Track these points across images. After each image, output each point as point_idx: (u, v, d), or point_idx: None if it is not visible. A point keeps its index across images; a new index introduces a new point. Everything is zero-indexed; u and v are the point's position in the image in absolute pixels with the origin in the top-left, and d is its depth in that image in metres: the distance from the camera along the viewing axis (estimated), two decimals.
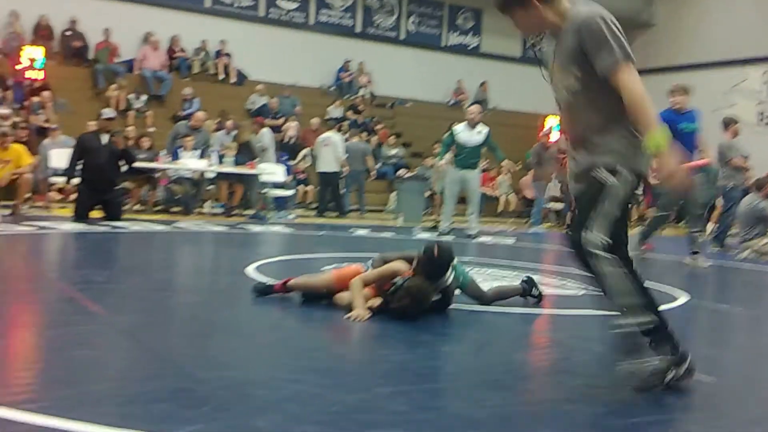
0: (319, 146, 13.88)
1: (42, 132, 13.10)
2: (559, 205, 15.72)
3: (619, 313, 3.02)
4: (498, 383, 3.18)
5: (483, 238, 10.78)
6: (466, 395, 2.94)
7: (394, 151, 17.56)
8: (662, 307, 5.41)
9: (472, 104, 14.00)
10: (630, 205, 3.37)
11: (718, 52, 19.99)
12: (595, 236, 2.99)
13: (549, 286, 6.32)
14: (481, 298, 4.85)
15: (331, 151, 13.66)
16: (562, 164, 16.51)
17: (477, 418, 2.63)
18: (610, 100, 3.00)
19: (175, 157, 11.79)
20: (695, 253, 8.56)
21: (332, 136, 13.99)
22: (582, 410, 2.81)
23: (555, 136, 16.86)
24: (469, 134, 10.56)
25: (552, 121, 17.05)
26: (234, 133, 13.54)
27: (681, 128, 7.97)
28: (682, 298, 5.86)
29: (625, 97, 2.94)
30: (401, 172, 16.02)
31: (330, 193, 14.04)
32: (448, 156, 10.71)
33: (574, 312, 5.12)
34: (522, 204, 16.65)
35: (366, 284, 4.39)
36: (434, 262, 4.41)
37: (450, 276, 4.53)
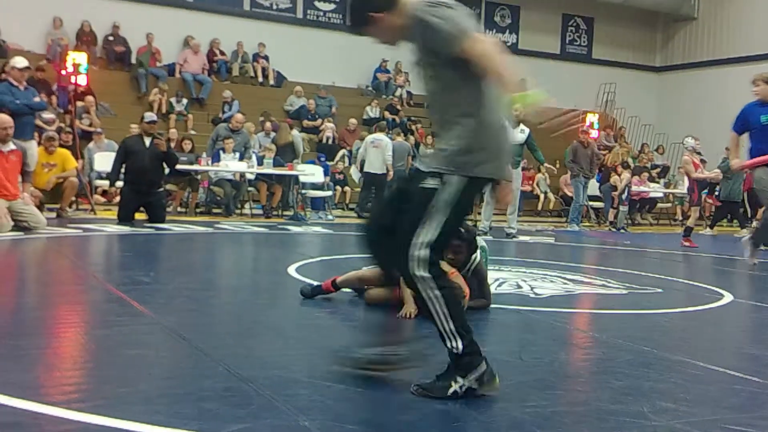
0: (367, 146, 13.51)
1: (87, 136, 13.36)
2: (598, 204, 15.57)
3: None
4: (541, 383, 3.18)
5: (522, 238, 10.73)
6: (509, 395, 2.94)
7: (431, 151, 17.53)
8: (707, 306, 5.39)
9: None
10: (466, 213, 3.10)
11: (760, 45, 19.62)
12: (420, 252, 2.79)
13: (591, 285, 6.29)
14: (482, 292, 4.76)
15: (380, 153, 13.34)
16: (605, 164, 16.40)
17: (520, 419, 2.63)
18: (460, 94, 2.87)
19: (215, 159, 11.93)
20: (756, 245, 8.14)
21: (383, 138, 13.61)
22: (627, 411, 2.80)
23: (595, 133, 16.72)
24: (511, 132, 10.51)
25: (592, 118, 16.88)
26: (273, 134, 13.67)
27: (763, 121, 7.51)
28: (727, 297, 5.79)
29: (477, 63, 2.75)
30: None
31: (374, 195, 13.91)
32: None
33: (617, 311, 5.09)
34: (561, 202, 16.54)
35: None
36: (462, 239, 4.39)
37: (479, 256, 4.53)
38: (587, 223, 15.07)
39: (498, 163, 2.92)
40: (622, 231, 14.23)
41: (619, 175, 15.11)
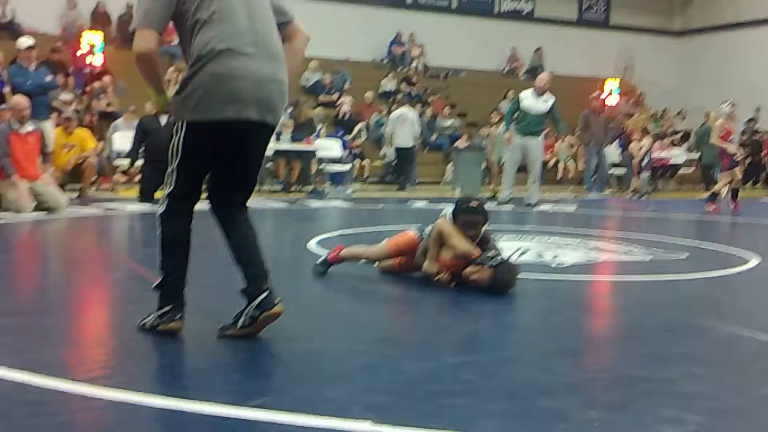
0: (394, 122, 14.05)
1: (106, 116, 13.36)
2: (620, 170, 15.41)
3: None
4: (567, 351, 3.15)
5: (543, 207, 10.65)
6: (535, 363, 2.92)
7: (449, 122, 17.42)
8: (733, 270, 5.32)
9: (540, 73, 13.77)
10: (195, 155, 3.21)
11: None
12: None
13: (615, 252, 6.23)
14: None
15: (408, 126, 13.90)
16: (624, 132, 16.19)
17: (547, 387, 2.60)
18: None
19: None
20: None
21: (408, 111, 14.21)
22: (655, 377, 2.76)
23: (612, 100, 16.50)
24: (535, 101, 10.43)
25: (611, 84, 16.65)
26: (291, 110, 13.62)
27: None
28: (753, 261, 5.71)
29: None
30: (458, 142, 15.89)
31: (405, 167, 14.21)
32: (513, 127, 10.60)
33: (642, 278, 5.04)
34: (582, 171, 16.38)
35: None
36: (459, 207, 4.38)
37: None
38: (609, 191, 14.93)
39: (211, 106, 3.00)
40: (643, 198, 14.10)
41: (639, 142, 14.94)
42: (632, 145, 15.03)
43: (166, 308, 3.13)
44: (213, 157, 3.20)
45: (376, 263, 4.65)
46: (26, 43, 9.43)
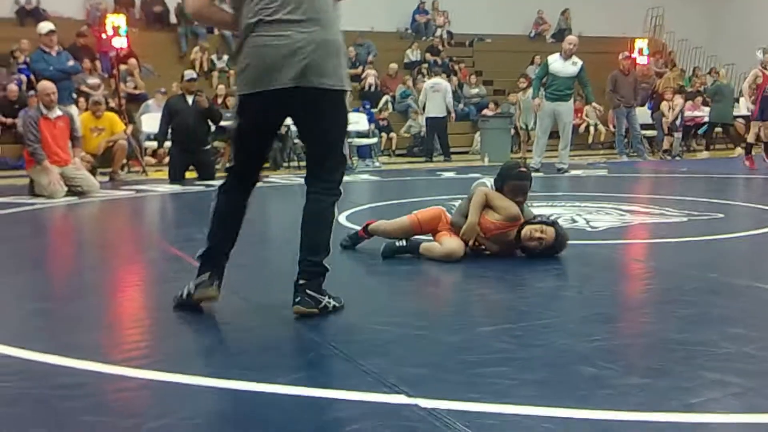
0: (427, 92, 13.96)
1: (134, 99, 13.43)
2: (651, 132, 15.14)
3: None
4: (604, 316, 3.10)
5: (574, 172, 10.52)
6: (572, 330, 2.87)
7: (475, 90, 17.24)
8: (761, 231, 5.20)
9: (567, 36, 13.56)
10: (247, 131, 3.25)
11: None
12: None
13: (649, 214, 6.13)
14: None
15: (441, 96, 13.82)
16: (656, 93, 15.85)
17: (584, 353, 2.56)
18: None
19: None
20: None
21: (441, 81, 14.22)
22: (695, 339, 2.70)
23: (642, 59, 16.18)
24: (563, 65, 10.26)
25: (640, 44, 16.31)
26: None
27: None
28: None
29: None
30: (485, 111, 15.74)
31: (438, 138, 14.19)
32: (542, 93, 10.45)
33: (678, 239, 4.94)
34: (612, 134, 16.14)
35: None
36: (508, 173, 4.36)
37: None
38: (637, 155, 14.69)
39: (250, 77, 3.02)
40: (677, 158, 13.88)
41: (669, 102, 14.66)
42: (663, 104, 14.76)
43: (204, 276, 3.18)
44: (264, 130, 3.22)
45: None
46: (46, 27, 9.44)
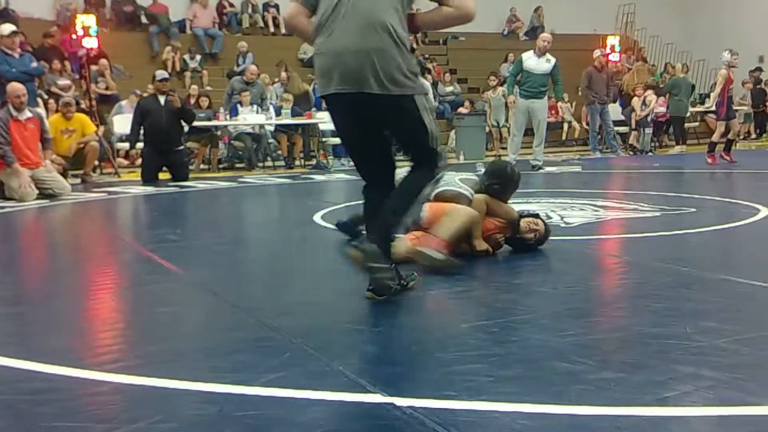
0: None
1: (105, 100, 13.28)
2: (624, 128, 15.26)
3: None
4: (578, 311, 3.11)
5: (549, 168, 10.56)
6: (546, 326, 2.88)
7: (450, 89, 17.27)
8: (743, 222, 5.26)
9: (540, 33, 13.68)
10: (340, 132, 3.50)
11: None
12: None
13: (622, 210, 6.18)
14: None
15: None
16: (623, 89, 15.97)
17: (559, 349, 2.56)
18: None
19: (234, 113, 11.83)
20: None
21: (423, 82, 14.05)
22: (669, 333, 2.72)
23: (614, 56, 16.30)
24: (537, 62, 10.30)
25: (612, 41, 16.43)
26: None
27: None
28: (763, 212, 5.65)
29: None
30: (460, 109, 15.77)
31: None
32: (516, 90, 10.50)
33: (652, 234, 4.98)
34: (586, 131, 16.24)
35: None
36: (510, 178, 4.42)
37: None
38: (608, 150, 14.80)
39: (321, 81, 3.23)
40: (649, 154, 14.02)
41: (640, 98, 14.79)
42: (634, 100, 14.90)
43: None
44: (347, 129, 3.35)
45: None
46: (8, 29, 9.27)
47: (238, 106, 11.90)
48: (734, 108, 11.48)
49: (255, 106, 12.07)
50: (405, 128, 3.23)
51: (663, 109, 14.82)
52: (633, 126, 14.63)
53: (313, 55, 3.25)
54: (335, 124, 3.39)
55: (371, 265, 3.10)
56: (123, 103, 12.67)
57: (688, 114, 15.18)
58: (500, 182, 4.35)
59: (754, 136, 17.82)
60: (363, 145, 3.35)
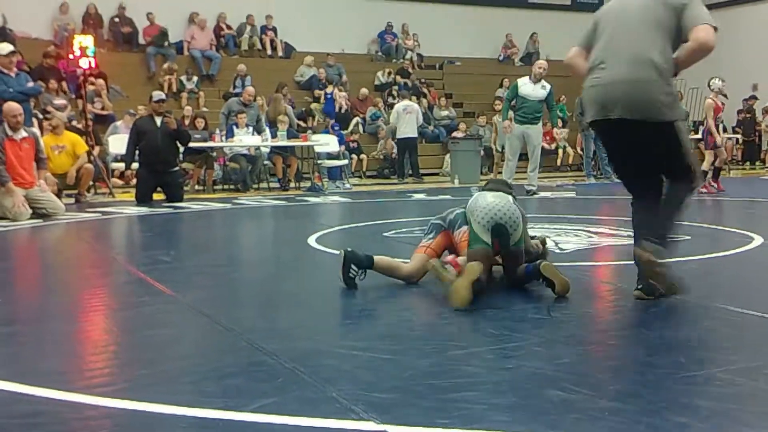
0: (399, 114, 14.25)
1: (101, 120, 13.29)
2: None
3: None
4: (573, 339, 3.10)
5: (543, 194, 10.59)
6: (541, 353, 2.86)
7: (445, 113, 17.36)
8: (737, 250, 5.26)
9: (534, 60, 13.79)
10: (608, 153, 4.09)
11: None
12: None
13: (616, 236, 6.18)
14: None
15: (413, 118, 14.16)
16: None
17: (553, 377, 2.55)
18: None
19: (229, 134, 11.84)
20: None
21: (412, 104, 14.59)
22: (663, 362, 2.71)
23: None
24: (532, 88, 10.35)
25: None
26: (288, 108, 13.63)
27: None
28: (757, 240, 5.66)
29: None
30: (455, 133, 15.83)
31: (408, 159, 14.51)
32: (511, 114, 10.53)
33: None
34: (580, 156, 16.31)
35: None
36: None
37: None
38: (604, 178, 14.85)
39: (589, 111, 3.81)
40: None
41: None
42: None
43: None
44: (618, 150, 3.89)
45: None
46: (6, 48, 9.28)
47: (234, 127, 11.92)
48: (723, 136, 11.53)
49: (251, 128, 12.10)
50: (668, 149, 3.67)
51: None
52: None
53: (587, 87, 3.77)
54: (607, 147, 3.99)
55: (659, 261, 3.54)
56: (118, 123, 12.69)
57: None
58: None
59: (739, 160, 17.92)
60: (632, 165, 3.82)
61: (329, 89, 16.67)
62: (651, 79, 3.54)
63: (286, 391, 2.43)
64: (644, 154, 3.71)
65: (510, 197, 4.16)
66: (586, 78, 3.77)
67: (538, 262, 3.82)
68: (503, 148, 14.26)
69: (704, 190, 10.77)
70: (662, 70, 3.55)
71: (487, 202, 3.98)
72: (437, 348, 2.94)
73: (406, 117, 14.05)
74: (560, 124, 16.22)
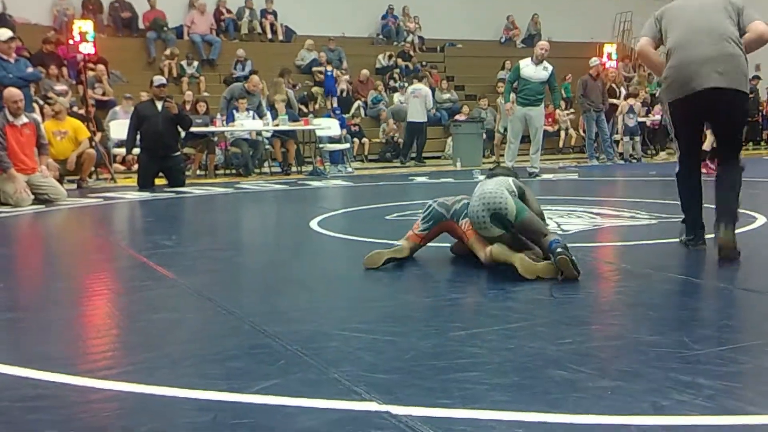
0: (409, 97, 14.18)
1: (102, 105, 13.26)
2: (616, 137, 15.29)
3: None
4: (575, 319, 3.10)
5: (545, 176, 10.57)
6: (543, 334, 2.86)
7: (447, 96, 17.29)
8: (741, 230, 5.26)
9: (536, 41, 13.73)
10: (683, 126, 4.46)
11: None
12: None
13: (619, 217, 6.17)
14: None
15: (421, 101, 13.99)
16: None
17: (556, 357, 2.55)
18: None
19: (230, 119, 11.81)
20: None
21: (422, 87, 14.36)
22: (666, 342, 2.71)
23: (611, 64, 16.33)
24: (534, 70, 10.29)
25: (609, 49, 16.46)
26: (290, 92, 13.61)
27: None
28: (761, 220, 5.65)
29: None
30: (457, 116, 15.79)
31: (416, 143, 14.38)
32: (513, 97, 10.49)
33: (648, 242, 4.98)
34: (583, 138, 16.26)
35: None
36: None
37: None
38: (603, 158, 14.81)
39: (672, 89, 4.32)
40: (634, 162, 14.06)
41: (626, 106, 14.83)
42: (623, 105, 14.94)
43: (691, 236, 4.52)
44: (691, 124, 4.41)
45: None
46: (6, 34, 9.24)
47: (235, 112, 11.88)
48: None
49: (251, 112, 12.05)
50: (741, 119, 4.40)
51: (659, 117, 14.85)
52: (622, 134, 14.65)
53: (674, 66, 4.23)
54: (686, 122, 4.38)
55: (738, 249, 4.16)
56: (117, 108, 12.66)
57: None
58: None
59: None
60: (719, 139, 4.47)
61: (329, 67, 16.61)
62: (737, 54, 4.13)
63: (288, 372, 2.44)
64: (722, 124, 4.31)
65: (501, 177, 4.23)
66: (670, 60, 4.25)
67: (558, 251, 3.75)
68: (505, 129, 14.30)
69: (704, 170, 10.73)
70: (741, 48, 4.15)
71: (474, 201, 4.08)
72: (439, 329, 2.94)
73: (414, 101, 13.96)
74: (563, 105, 16.18)
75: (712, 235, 4.35)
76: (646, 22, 4.58)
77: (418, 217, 4.40)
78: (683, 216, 4.60)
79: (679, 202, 4.67)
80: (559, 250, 3.70)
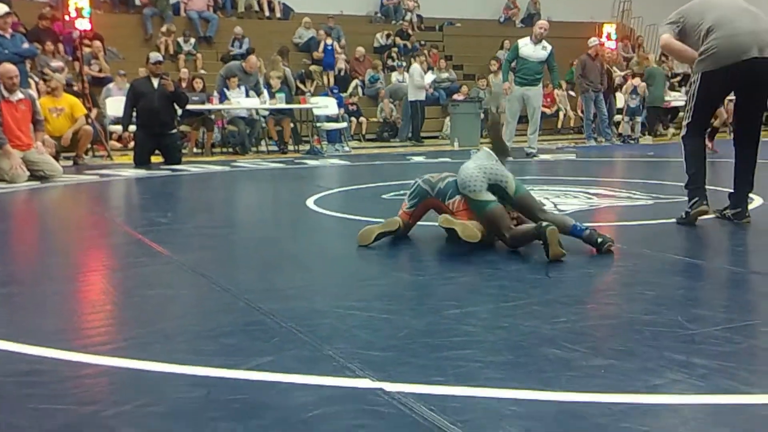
0: (413, 76, 14.20)
1: (98, 82, 13.19)
2: (619, 117, 15.26)
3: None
4: (570, 298, 3.09)
5: (543, 156, 10.55)
6: (538, 313, 2.86)
7: (445, 75, 17.22)
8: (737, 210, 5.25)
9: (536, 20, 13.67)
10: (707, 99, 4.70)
11: None
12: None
13: (616, 197, 6.17)
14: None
15: (421, 80, 14.16)
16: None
17: (550, 336, 2.55)
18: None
19: (223, 97, 11.73)
20: None
21: (414, 66, 14.49)
22: (661, 321, 2.71)
23: (611, 44, 16.25)
24: (533, 49, 10.24)
25: (609, 29, 16.37)
26: (287, 69, 13.53)
27: None
28: (757, 201, 5.64)
29: None
30: (455, 95, 15.73)
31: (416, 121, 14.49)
32: (512, 77, 10.45)
33: (644, 222, 4.97)
34: (581, 119, 16.22)
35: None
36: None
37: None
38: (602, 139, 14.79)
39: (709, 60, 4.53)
40: (632, 142, 14.05)
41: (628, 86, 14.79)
42: (627, 85, 14.90)
43: (694, 200, 4.66)
44: (718, 98, 4.89)
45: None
46: (2, 9, 9.15)
47: (225, 90, 11.78)
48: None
49: (243, 88, 11.94)
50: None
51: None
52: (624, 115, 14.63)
53: (713, 40, 4.45)
54: (712, 94, 4.65)
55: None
56: (110, 85, 12.58)
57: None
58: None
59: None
60: (746, 110, 4.69)
61: (328, 41, 16.51)
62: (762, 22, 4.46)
63: (282, 349, 2.43)
64: (752, 96, 4.58)
65: (488, 152, 4.25)
66: (713, 33, 4.47)
67: (545, 224, 3.75)
68: (497, 108, 14.31)
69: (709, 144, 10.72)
70: None
71: (470, 170, 4.07)
72: (433, 308, 2.93)
73: (416, 80, 14.01)
74: (565, 86, 16.14)
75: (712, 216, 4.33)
76: (661, 27, 4.95)
77: (406, 194, 4.41)
78: (687, 180, 4.77)
79: (675, 182, 4.77)
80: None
